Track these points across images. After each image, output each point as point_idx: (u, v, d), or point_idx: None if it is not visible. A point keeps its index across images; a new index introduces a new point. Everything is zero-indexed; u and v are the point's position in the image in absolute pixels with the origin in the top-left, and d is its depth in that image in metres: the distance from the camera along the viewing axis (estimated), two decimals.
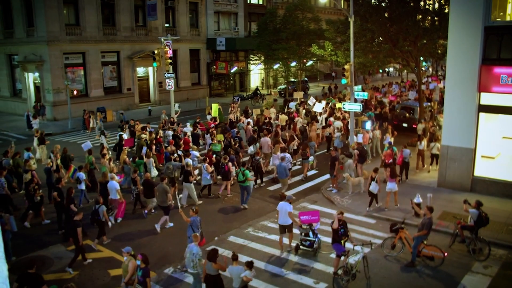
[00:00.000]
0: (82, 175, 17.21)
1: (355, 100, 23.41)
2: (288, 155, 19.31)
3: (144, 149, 20.57)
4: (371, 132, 23.21)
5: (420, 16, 27.01)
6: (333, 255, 12.35)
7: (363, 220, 15.80)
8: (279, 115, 29.36)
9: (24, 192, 16.76)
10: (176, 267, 12.77)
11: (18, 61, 37.74)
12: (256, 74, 56.11)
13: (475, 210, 13.06)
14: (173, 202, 15.68)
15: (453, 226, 14.20)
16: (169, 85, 29.74)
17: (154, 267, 12.69)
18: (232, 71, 49.46)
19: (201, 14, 47.05)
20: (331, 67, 63.86)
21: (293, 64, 45.03)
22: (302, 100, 35.38)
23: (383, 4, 26.93)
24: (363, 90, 34.50)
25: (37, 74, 36.07)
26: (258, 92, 47.44)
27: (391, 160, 19.35)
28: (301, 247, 13.44)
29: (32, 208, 15.82)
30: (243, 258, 11.38)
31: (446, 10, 23.88)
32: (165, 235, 14.88)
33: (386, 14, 26.79)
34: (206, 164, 18.11)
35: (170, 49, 29.41)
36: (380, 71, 71.96)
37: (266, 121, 27.54)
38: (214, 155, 20.04)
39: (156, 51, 29.68)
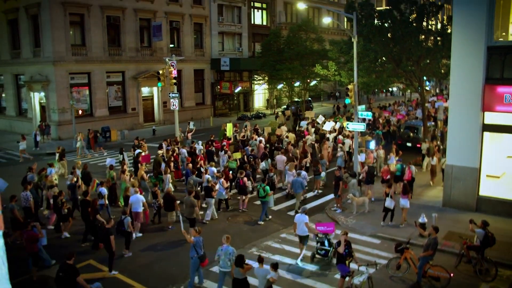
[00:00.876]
0: (104, 190, 17.53)
1: (364, 120, 23.48)
2: (304, 172, 19.94)
3: (163, 165, 21.25)
4: (375, 152, 23.28)
5: (423, 36, 27.24)
6: (338, 276, 12.22)
7: (367, 240, 15.65)
8: (288, 134, 29.59)
9: (53, 206, 16.90)
10: (179, 287, 12.64)
11: (25, 81, 38.13)
12: (260, 94, 56.42)
13: (481, 230, 12.93)
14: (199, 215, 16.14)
15: (459, 246, 14.04)
16: (173, 105, 29.92)
17: None
18: (236, 91, 49.70)
19: (206, 35, 47.57)
20: (335, 87, 64.13)
21: (297, 84, 45.26)
22: (313, 119, 35.61)
23: (386, 24, 27.20)
24: (370, 110, 34.66)
25: (42, 93, 36.36)
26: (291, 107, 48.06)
27: (388, 176, 19.43)
28: (316, 255, 13.91)
29: (61, 220, 16.24)
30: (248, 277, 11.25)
31: (449, 30, 24.06)
32: (169, 256, 14.76)
33: (389, 35, 27.04)
34: (223, 179, 18.83)
35: (174, 69, 29.68)
36: (384, 90, 72.17)
37: (277, 139, 28.10)
38: (231, 172, 20.85)
39: (161, 71, 29.94)
